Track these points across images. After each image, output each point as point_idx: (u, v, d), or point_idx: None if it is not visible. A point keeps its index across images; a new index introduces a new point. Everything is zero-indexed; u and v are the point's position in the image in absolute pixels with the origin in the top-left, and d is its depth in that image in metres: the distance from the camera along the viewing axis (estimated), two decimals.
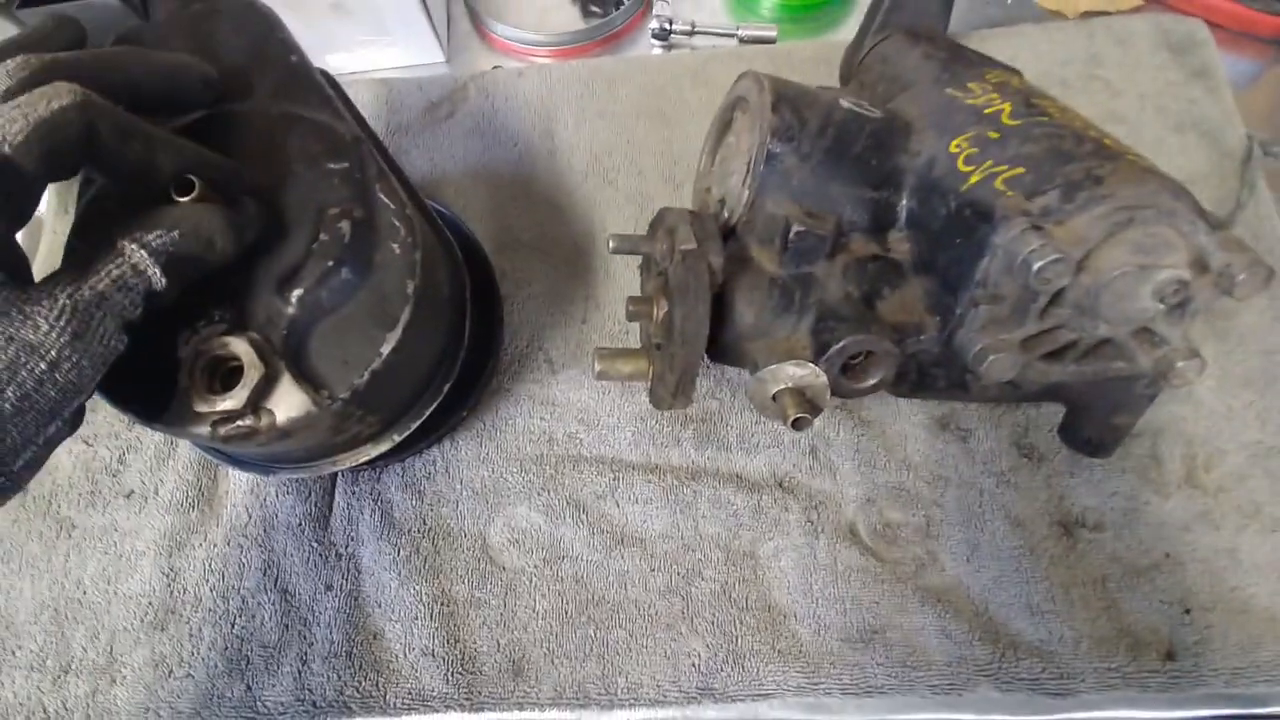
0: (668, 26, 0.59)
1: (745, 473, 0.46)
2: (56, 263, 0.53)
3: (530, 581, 0.44)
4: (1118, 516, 0.43)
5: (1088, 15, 0.60)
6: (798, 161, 0.37)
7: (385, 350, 0.34)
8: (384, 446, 0.40)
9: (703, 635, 0.42)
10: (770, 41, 0.59)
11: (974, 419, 0.46)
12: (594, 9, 0.62)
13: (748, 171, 0.37)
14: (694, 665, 0.42)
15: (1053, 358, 0.35)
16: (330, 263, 0.34)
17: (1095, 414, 0.40)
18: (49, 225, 0.56)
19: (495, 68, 0.60)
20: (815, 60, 0.56)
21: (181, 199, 0.31)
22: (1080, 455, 0.44)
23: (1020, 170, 0.33)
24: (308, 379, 0.33)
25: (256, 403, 0.32)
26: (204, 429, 0.32)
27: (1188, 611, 0.42)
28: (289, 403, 0.33)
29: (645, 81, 0.56)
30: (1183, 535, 0.43)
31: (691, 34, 0.60)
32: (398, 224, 0.35)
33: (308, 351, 0.34)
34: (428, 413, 0.40)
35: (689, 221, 0.36)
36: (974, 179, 0.35)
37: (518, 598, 0.43)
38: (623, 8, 0.61)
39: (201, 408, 0.32)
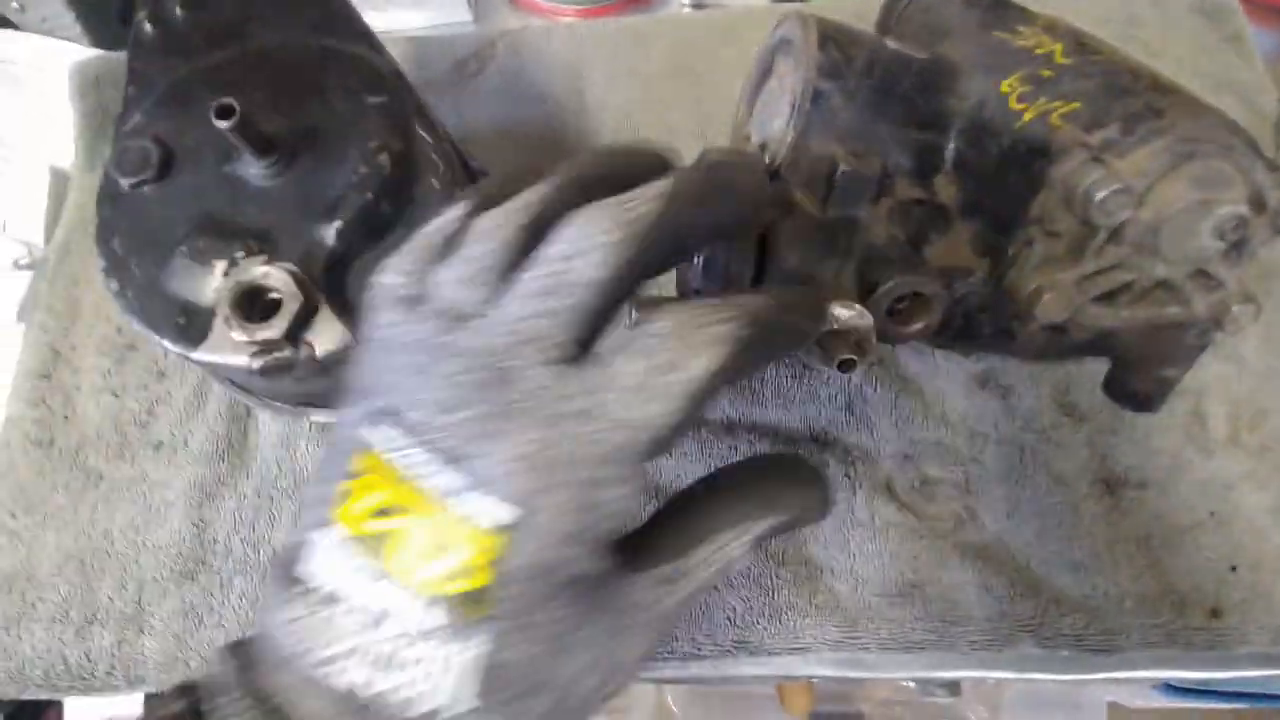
0: None
1: (781, 428, 0.45)
2: (84, 219, 0.52)
3: None
4: (1161, 475, 0.43)
5: None
6: (844, 100, 0.36)
7: None
8: None
9: (738, 589, 0.41)
10: None
11: (1013, 376, 0.45)
12: None
13: (792, 112, 0.37)
14: (729, 619, 0.41)
15: (1105, 300, 0.35)
16: (370, 195, 0.33)
17: (1143, 366, 0.39)
18: (76, 181, 0.56)
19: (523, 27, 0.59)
20: (851, 17, 0.54)
21: None
22: (1123, 413, 0.43)
23: (1076, 105, 0.33)
24: (347, 312, 0.33)
25: (295, 334, 0.32)
26: (242, 358, 0.31)
27: (1234, 569, 0.41)
28: (328, 335, 0.32)
29: (676, 40, 0.56)
30: (1227, 494, 0.42)
31: None
32: (436, 159, 0.35)
33: (347, 284, 0.33)
34: None
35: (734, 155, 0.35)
36: (1028, 116, 0.34)
37: None
38: None
39: (240, 337, 0.31)
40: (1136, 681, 0.42)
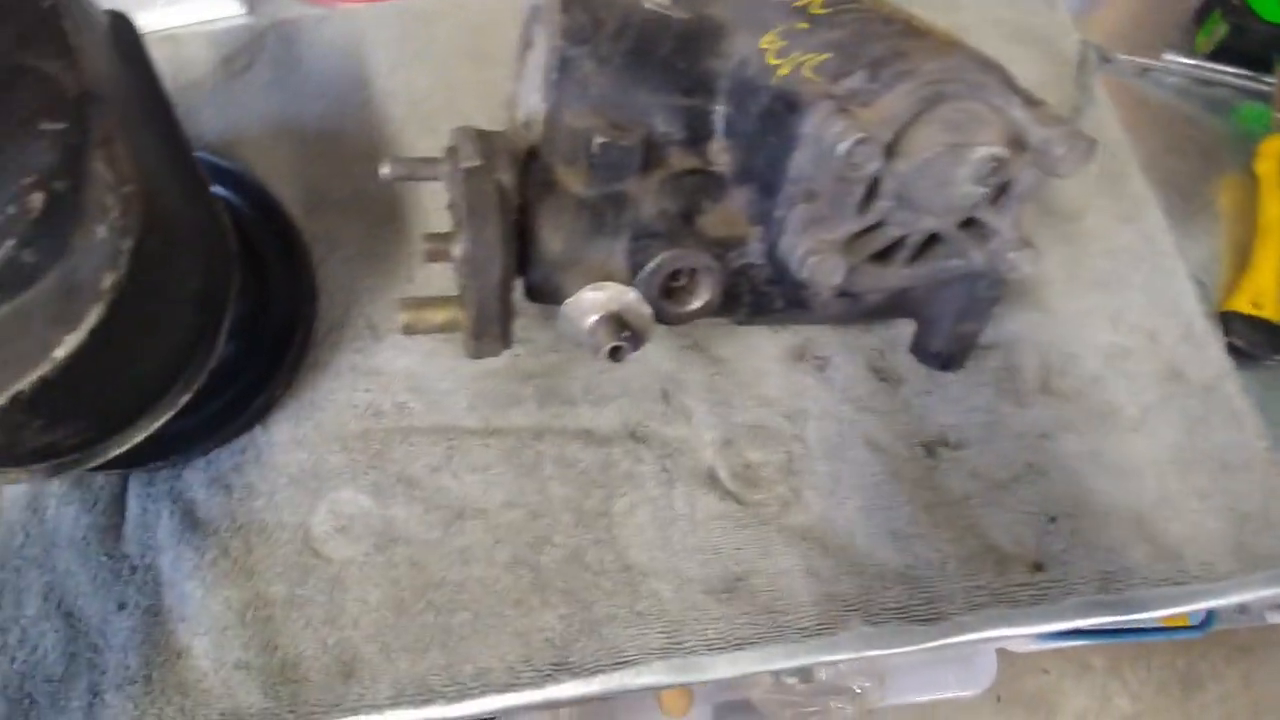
0: None
1: (594, 426, 0.42)
2: None
3: (360, 571, 0.39)
4: (978, 431, 0.42)
5: None
6: (595, 66, 0.33)
7: (60, 354, 0.28)
8: (99, 458, 0.34)
9: (555, 607, 0.38)
10: None
11: (830, 347, 0.44)
12: None
13: (545, 83, 0.34)
14: (548, 640, 0.38)
15: (883, 259, 0.33)
16: (11, 241, 0.28)
17: (941, 324, 0.38)
18: None
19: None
20: None
21: None
22: (935, 372, 0.42)
23: (826, 56, 0.31)
24: None
25: None
26: None
27: (1053, 520, 0.40)
28: None
29: (464, 19, 0.52)
30: (1043, 443, 0.42)
31: None
32: (110, 203, 0.29)
33: None
34: (156, 425, 0.35)
35: (474, 138, 0.32)
36: (783, 71, 0.32)
37: (346, 591, 0.39)
38: None
39: None
40: (971, 643, 0.41)
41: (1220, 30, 0.56)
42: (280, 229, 0.44)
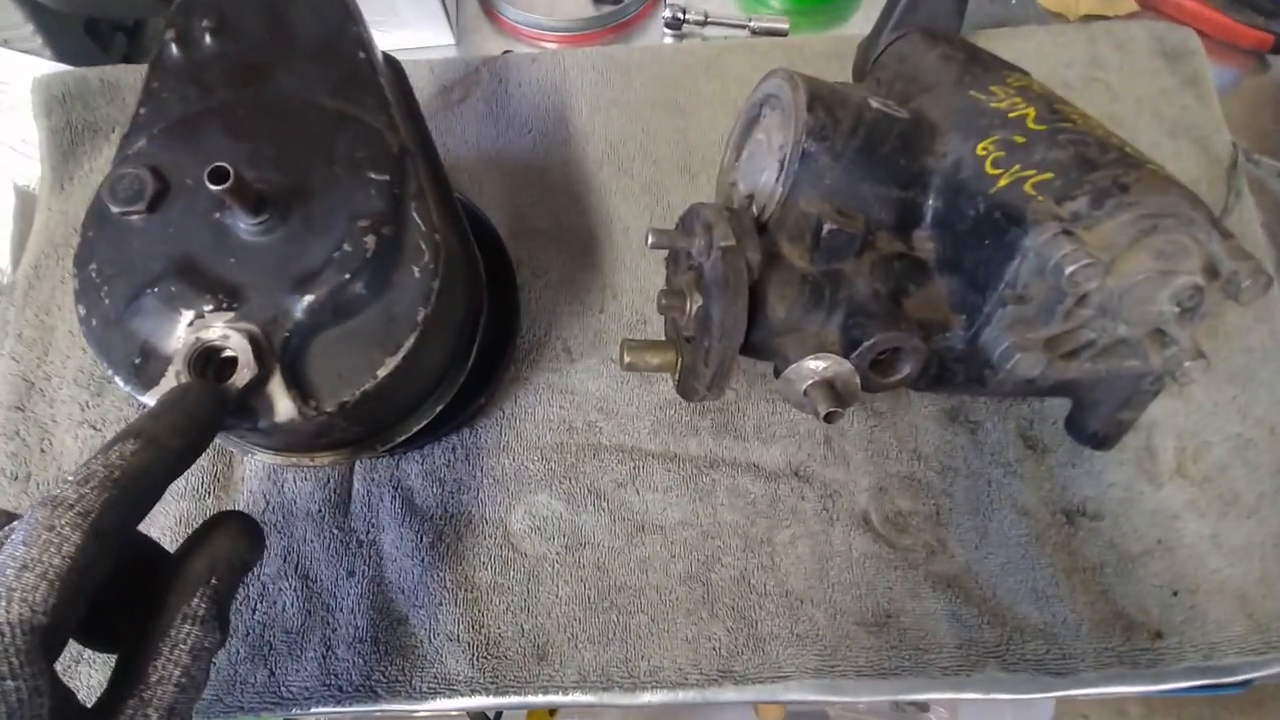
0: (681, 16, 0.59)
1: (762, 462, 0.47)
2: (53, 244, 0.51)
3: (552, 568, 0.44)
4: (1115, 505, 0.46)
5: (1088, 18, 0.62)
6: (830, 161, 0.38)
7: (382, 374, 0.34)
8: (368, 453, 0.40)
9: (723, 620, 0.43)
10: (782, 34, 0.59)
11: (982, 412, 0.48)
12: None
13: (781, 169, 0.38)
14: (715, 649, 0.43)
15: (1070, 355, 0.37)
16: (347, 275, 0.33)
17: (1102, 409, 0.42)
18: (43, 202, 0.54)
19: (506, 52, 0.59)
20: (828, 55, 0.56)
21: (216, 186, 0.30)
22: (1083, 447, 0.46)
23: (1049, 175, 0.35)
24: (298, 386, 0.33)
25: (242, 401, 0.32)
26: None
27: (1175, 594, 0.44)
28: (274, 407, 0.32)
29: (659, 71, 0.57)
30: (1172, 523, 0.46)
31: (704, 24, 0.60)
32: (424, 247, 0.35)
33: (305, 358, 0.33)
34: (417, 428, 0.40)
35: (726, 218, 0.36)
36: (1003, 182, 0.36)
37: (540, 584, 0.44)
38: None
39: None
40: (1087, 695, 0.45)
41: None
42: (492, 252, 0.50)
